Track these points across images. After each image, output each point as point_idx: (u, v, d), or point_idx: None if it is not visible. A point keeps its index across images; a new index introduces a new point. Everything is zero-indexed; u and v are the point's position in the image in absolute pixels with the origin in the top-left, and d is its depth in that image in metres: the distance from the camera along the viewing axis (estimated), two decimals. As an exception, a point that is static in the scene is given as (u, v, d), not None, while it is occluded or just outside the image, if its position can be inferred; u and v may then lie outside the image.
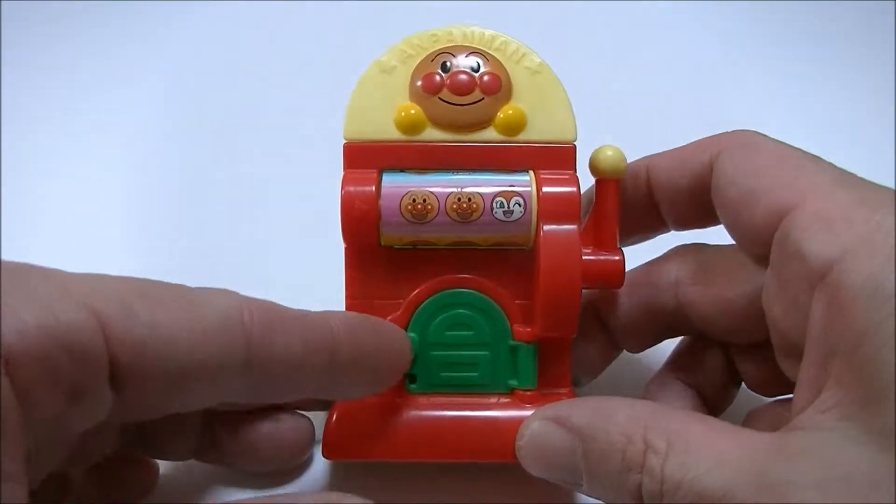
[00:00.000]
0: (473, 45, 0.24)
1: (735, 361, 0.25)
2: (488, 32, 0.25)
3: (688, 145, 0.24)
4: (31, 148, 0.37)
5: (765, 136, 0.23)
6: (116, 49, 0.41)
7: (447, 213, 0.23)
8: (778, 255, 0.21)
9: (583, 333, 0.25)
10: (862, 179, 0.20)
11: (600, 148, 0.24)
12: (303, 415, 0.26)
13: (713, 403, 0.25)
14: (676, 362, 0.26)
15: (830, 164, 0.21)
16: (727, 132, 0.23)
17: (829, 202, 0.19)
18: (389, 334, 0.23)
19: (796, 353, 0.20)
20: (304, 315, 0.21)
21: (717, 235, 0.24)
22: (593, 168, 0.24)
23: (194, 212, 0.35)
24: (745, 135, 0.23)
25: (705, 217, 0.24)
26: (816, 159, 0.21)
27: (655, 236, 0.27)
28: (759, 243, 0.22)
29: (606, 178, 0.24)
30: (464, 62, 0.24)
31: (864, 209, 0.19)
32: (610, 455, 0.20)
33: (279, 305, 0.20)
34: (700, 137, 0.24)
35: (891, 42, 0.39)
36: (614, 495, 0.20)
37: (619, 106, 0.35)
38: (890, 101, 0.36)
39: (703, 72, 0.39)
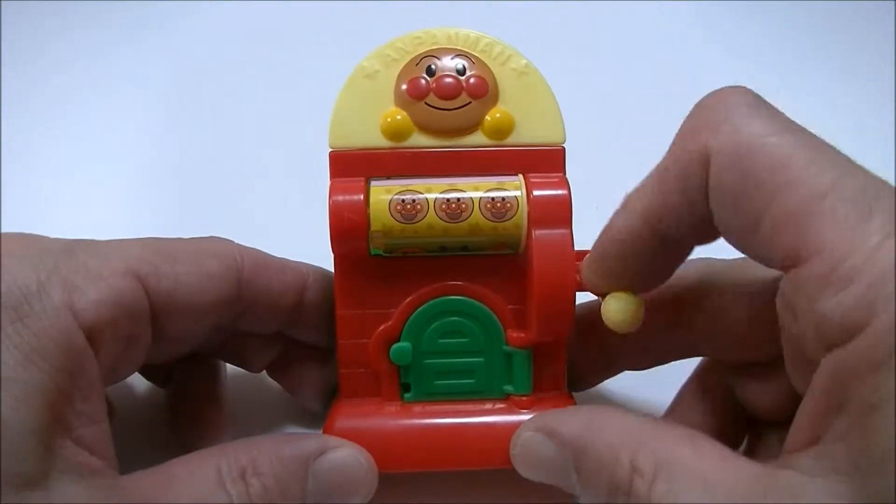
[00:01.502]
0: (458, 47, 0.24)
1: (737, 390, 0.24)
2: (473, 34, 0.24)
3: (668, 171, 0.20)
4: (30, 148, 0.37)
5: (755, 128, 0.18)
6: (106, 56, 0.41)
7: (436, 213, 0.23)
8: (790, 298, 0.18)
9: (582, 347, 0.25)
10: (884, 192, 0.17)
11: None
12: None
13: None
14: (680, 405, 0.26)
15: (834, 162, 0.18)
16: (708, 119, 0.19)
17: (847, 246, 0.16)
18: None
19: (807, 365, 0.19)
20: (284, 261, 0.25)
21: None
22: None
23: (182, 219, 0.34)
24: (732, 134, 0.19)
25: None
26: (818, 162, 0.18)
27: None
28: (770, 266, 0.19)
29: None
30: (449, 65, 0.24)
31: (886, 254, 0.16)
32: (598, 472, 0.20)
33: (266, 253, 0.25)
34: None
35: (891, 42, 0.39)
36: None
37: (608, 105, 0.34)
38: (890, 102, 0.36)
39: (695, 72, 0.38)
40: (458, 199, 0.23)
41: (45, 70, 0.40)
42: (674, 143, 0.20)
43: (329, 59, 0.29)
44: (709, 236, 0.21)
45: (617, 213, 0.21)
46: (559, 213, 0.23)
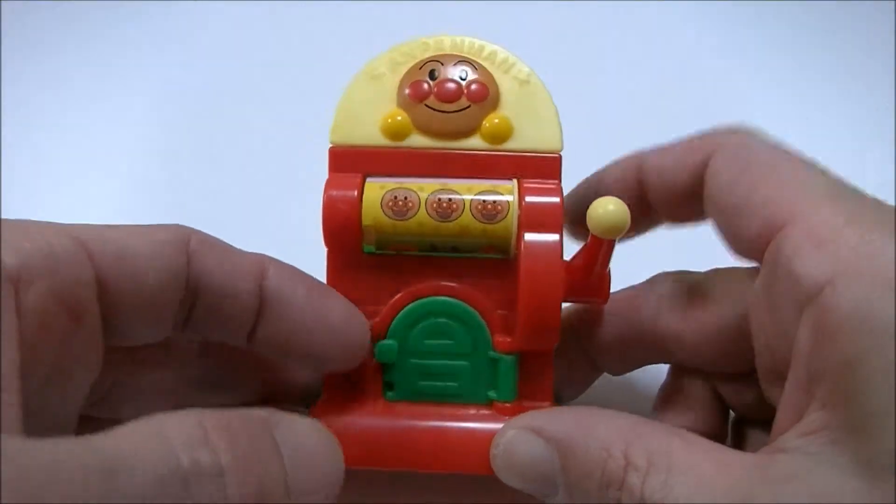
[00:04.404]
0: (463, 54, 0.24)
1: (717, 387, 0.25)
2: (478, 42, 0.25)
3: (680, 142, 0.24)
4: (29, 150, 0.38)
5: (760, 136, 0.22)
6: (107, 54, 0.42)
7: (427, 212, 0.23)
8: (768, 272, 0.20)
9: (564, 354, 0.25)
10: (857, 192, 0.20)
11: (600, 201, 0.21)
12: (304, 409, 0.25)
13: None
14: (664, 404, 0.25)
15: (825, 172, 0.21)
16: (721, 130, 0.23)
17: (822, 219, 0.19)
18: (333, 296, 0.23)
19: (781, 377, 0.20)
20: (241, 250, 0.22)
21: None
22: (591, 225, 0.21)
23: (181, 215, 0.35)
24: (740, 136, 0.23)
25: (702, 214, 0.24)
26: (811, 167, 0.21)
27: (649, 231, 0.26)
28: (750, 255, 0.21)
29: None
30: (452, 71, 0.24)
31: (857, 228, 0.18)
32: (589, 469, 0.19)
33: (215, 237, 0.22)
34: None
35: (891, 42, 0.39)
36: None
37: (609, 112, 0.35)
38: (890, 102, 0.36)
39: (696, 76, 0.38)
40: (450, 199, 0.23)
41: (44, 71, 0.41)
42: (679, 143, 0.24)
43: (331, 59, 0.29)
44: (679, 212, 0.25)
45: (614, 161, 0.25)
46: (550, 220, 0.23)
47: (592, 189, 0.25)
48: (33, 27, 0.42)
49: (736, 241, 0.22)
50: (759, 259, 0.21)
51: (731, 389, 0.24)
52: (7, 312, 0.16)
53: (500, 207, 0.23)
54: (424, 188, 0.23)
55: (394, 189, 0.23)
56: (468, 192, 0.23)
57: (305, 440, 0.18)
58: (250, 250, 0.22)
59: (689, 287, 0.24)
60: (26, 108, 0.39)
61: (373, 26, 0.37)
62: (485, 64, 0.24)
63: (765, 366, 0.21)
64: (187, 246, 0.20)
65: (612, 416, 0.20)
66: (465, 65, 0.24)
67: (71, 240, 0.18)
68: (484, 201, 0.23)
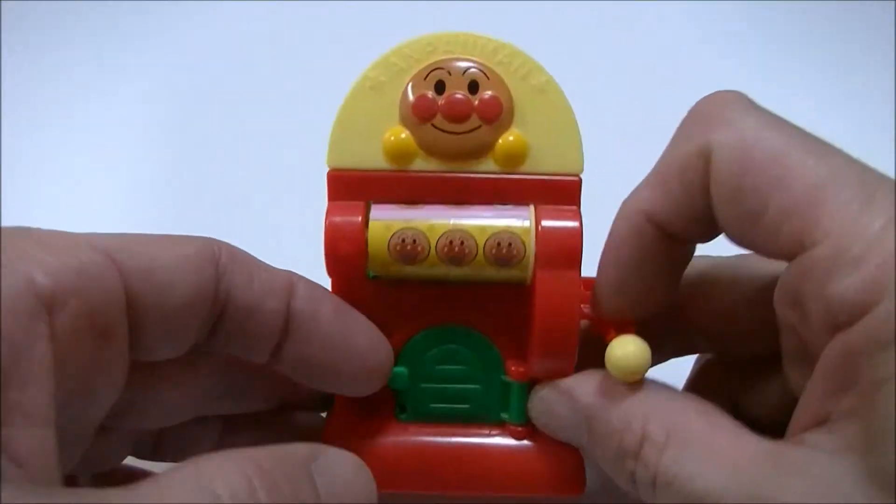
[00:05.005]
0: (473, 57, 0.22)
1: (734, 392, 0.24)
2: (491, 42, 0.22)
3: (669, 167, 0.20)
4: (30, 151, 0.38)
5: (749, 114, 0.19)
6: (108, 54, 0.41)
7: (437, 256, 0.21)
8: (795, 286, 0.18)
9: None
10: (882, 181, 0.18)
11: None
12: (318, 415, 0.26)
13: None
14: None
15: (835, 154, 0.18)
16: (709, 121, 0.19)
17: (853, 230, 0.17)
18: (359, 320, 0.22)
19: (808, 357, 0.19)
20: (269, 265, 0.21)
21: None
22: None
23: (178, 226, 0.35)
24: (733, 124, 0.19)
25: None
26: (821, 152, 0.18)
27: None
28: (772, 257, 0.19)
29: None
30: (461, 80, 0.21)
31: (889, 238, 0.17)
32: (608, 437, 0.20)
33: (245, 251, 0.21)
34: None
35: (891, 42, 0.38)
36: (612, 474, 0.21)
37: (606, 110, 0.33)
38: (890, 102, 0.35)
39: (696, 75, 0.37)
40: (462, 242, 0.21)
41: (44, 72, 0.40)
42: (672, 141, 0.20)
43: (335, 58, 0.27)
44: (709, 233, 0.21)
45: (618, 219, 0.21)
46: (568, 250, 0.21)
47: (611, 276, 0.22)
48: (33, 26, 0.41)
49: (757, 250, 0.20)
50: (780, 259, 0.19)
51: (749, 388, 0.24)
52: (41, 341, 0.16)
53: (515, 252, 0.21)
54: (434, 228, 0.21)
55: (401, 231, 0.21)
56: (481, 233, 0.21)
57: (343, 477, 0.19)
58: (251, 250, 0.21)
59: (712, 272, 0.23)
60: (26, 107, 0.38)
61: (376, 25, 0.35)
62: (498, 69, 0.22)
63: (790, 346, 0.20)
64: (216, 260, 0.20)
65: (638, 386, 0.21)
66: (476, 70, 0.21)
67: (100, 254, 0.18)
68: (499, 244, 0.21)
